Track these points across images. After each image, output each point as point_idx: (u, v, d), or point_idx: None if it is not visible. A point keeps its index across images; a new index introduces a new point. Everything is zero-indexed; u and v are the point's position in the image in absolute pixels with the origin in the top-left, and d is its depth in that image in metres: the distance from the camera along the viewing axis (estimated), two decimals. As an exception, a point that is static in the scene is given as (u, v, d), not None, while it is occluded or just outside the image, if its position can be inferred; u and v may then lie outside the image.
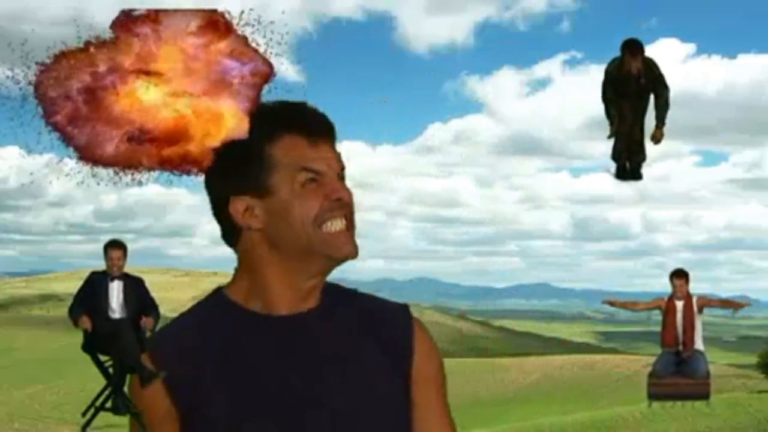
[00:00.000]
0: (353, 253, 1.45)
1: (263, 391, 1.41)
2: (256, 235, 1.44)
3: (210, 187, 1.47)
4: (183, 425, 1.47)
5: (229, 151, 1.40)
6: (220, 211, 1.47)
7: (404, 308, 1.55)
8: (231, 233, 1.47)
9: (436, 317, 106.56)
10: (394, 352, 1.49)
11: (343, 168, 1.45)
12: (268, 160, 1.41)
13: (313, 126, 1.44)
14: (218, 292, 1.51)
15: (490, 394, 32.47)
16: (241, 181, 1.42)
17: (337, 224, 1.43)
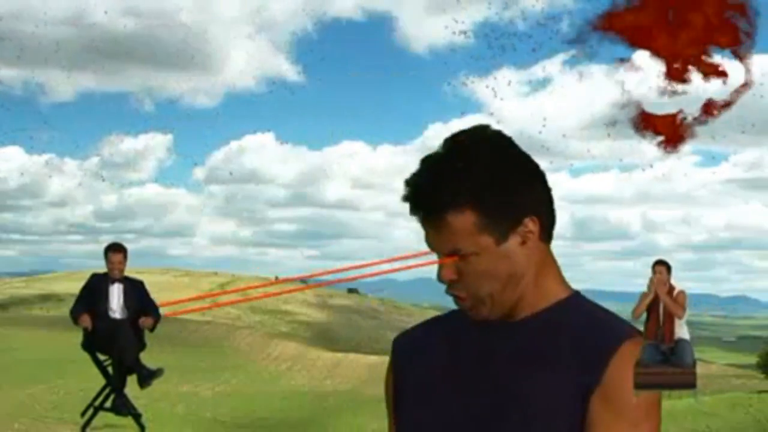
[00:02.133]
0: (478, 317, 1.51)
1: (439, 392, 1.52)
2: None
3: None
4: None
5: None
6: None
7: (618, 330, 1.50)
8: None
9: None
10: (582, 370, 1.43)
11: (451, 247, 1.45)
12: None
13: (414, 210, 1.49)
14: None
15: (490, 394, 32.43)
16: None
17: (458, 300, 1.52)
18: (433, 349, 1.58)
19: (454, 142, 1.49)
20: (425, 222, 1.47)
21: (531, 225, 1.46)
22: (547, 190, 1.50)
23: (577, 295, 1.54)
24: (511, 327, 1.51)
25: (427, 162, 1.48)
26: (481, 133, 1.50)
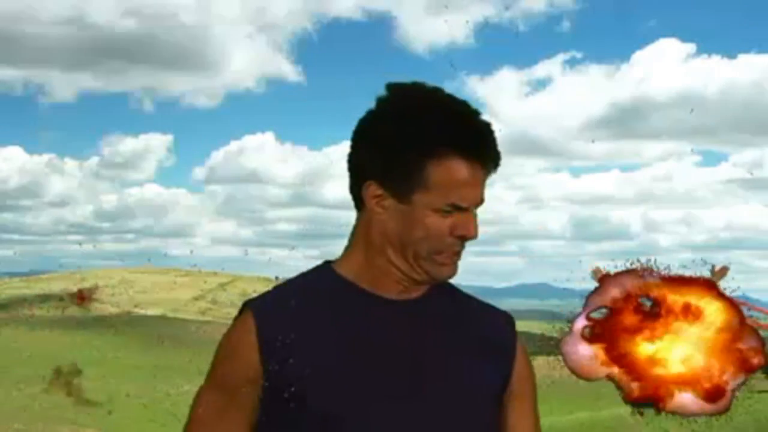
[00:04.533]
0: (452, 276, 1.51)
1: (365, 368, 1.42)
2: (378, 220, 1.46)
3: (362, 154, 1.48)
4: (266, 388, 1.42)
5: (394, 141, 1.43)
6: (357, 179, 1.48)
7: (508, 315, 1.63)
8: (357, 203, 1.50)
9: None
10: (495, 351, 1.55)
11: (482, 200, 1.49)
12: (423, 178, 1.42)
13: (483, 157, 1.46)
14: (326, 266, 1.54)
15: (490, 394, 32.43)
16: (391, 175, 1.44)
17: (449, 259, 1.47)
18: (332, 326, 1.44)
19: (449, 94, 1.48)
20: (480, 173, 1.46)
21: None
22: None
23: None
24: (419, 303, 1.50)
25: (472, 113, 1.47)
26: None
